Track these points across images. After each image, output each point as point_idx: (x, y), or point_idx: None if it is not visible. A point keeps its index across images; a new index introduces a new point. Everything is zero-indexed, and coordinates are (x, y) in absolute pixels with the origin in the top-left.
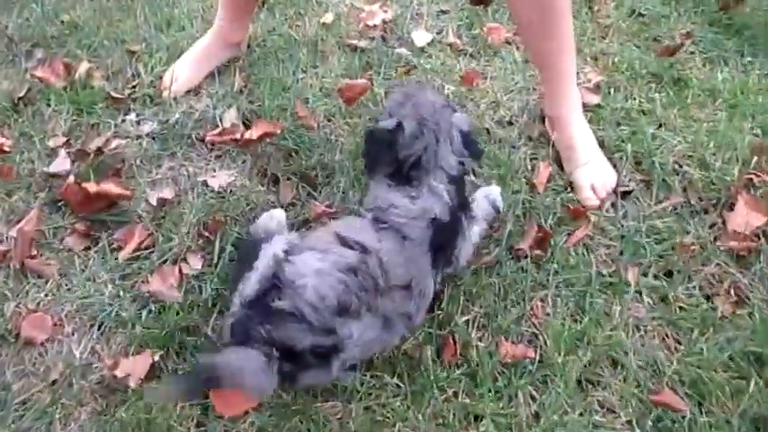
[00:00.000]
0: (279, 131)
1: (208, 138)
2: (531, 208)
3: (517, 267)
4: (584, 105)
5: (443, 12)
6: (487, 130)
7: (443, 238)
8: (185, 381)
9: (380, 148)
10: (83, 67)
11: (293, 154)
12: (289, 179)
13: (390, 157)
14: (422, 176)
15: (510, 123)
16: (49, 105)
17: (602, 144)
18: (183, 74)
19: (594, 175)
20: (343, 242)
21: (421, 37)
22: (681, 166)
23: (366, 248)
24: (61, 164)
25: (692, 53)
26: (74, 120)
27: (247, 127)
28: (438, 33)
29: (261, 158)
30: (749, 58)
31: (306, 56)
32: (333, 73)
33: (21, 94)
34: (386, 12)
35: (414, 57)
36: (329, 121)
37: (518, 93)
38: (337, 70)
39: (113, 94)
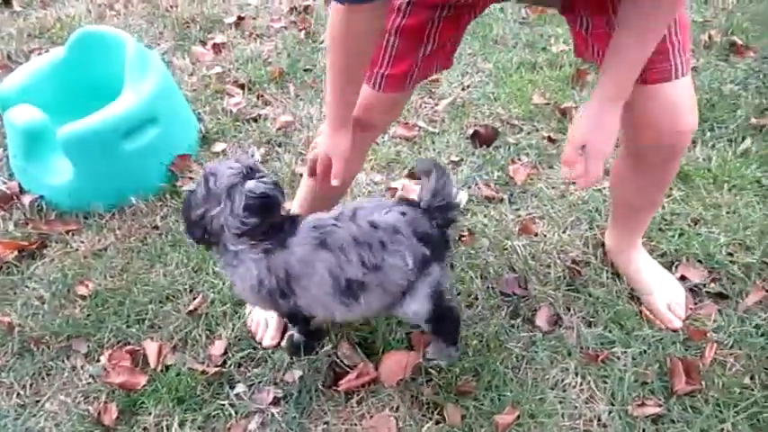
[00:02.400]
0: (412, 362)
1: (343, 386)
2: (655, 342)
3: (687, 408)
4: None
5: (456, 163)
6: (571, 274)
7: None
8: None
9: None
10: (150, 348)
11: (432, 371)
12: (453, 402)
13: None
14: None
15: (587, 263)
16: (149, 413)
17: (663, 254)
18: (271, 317)
19: (668, 296)
20: None
21: (458, 197)
22: (732, 255)
23: None
24: None
25: None
26: (191, 419)
27: (368, 356)
28: (468, 188)
29: (408, 387)
30: (708, 133)
31: None
32: None
33: (114, 415)
34: (417, 184)
35: (464, 220)
36: None
37: (571, 228)
38: None
39: (204, 368)
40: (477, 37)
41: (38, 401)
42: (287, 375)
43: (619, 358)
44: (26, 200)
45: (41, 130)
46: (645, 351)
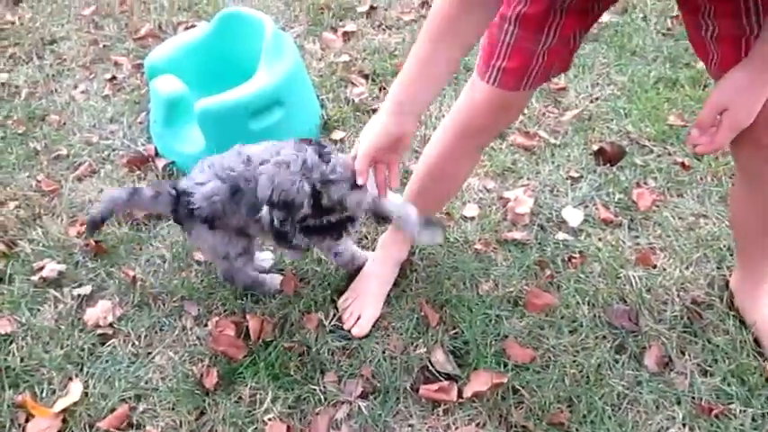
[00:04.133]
0: (505, 381)
1: (422, 392)
2: None
3: None
4: None
5: (575, 179)
6: (690, 316)
7: None
8: None
9: None
10: (253, 322)
11: (524, 394)
12: (543, 430)
13: None
14: None
15: (710, 306)
16: (246, 384)
17: None
18: (365, 309)
19: None
20: None
21: (572, 216)
22: None
23: None
24: None
25: None
26: (283, 398)
27: (460, 366)
28: (585, 207)
29: (498, 406)
30: None
31: (472, 260)
32: (512, 279)
33: (215, 380)
34: (530, 196)
35: (576, 242)
36: (536, 348)
37: (696, 264)
38: (512, 271)
39: (299, 350)
40: (612, 46)
41: (149, 353)
42: (376, 371)
43: (736, 416)
44: (160, 164)
45: (181, 101)
46: None
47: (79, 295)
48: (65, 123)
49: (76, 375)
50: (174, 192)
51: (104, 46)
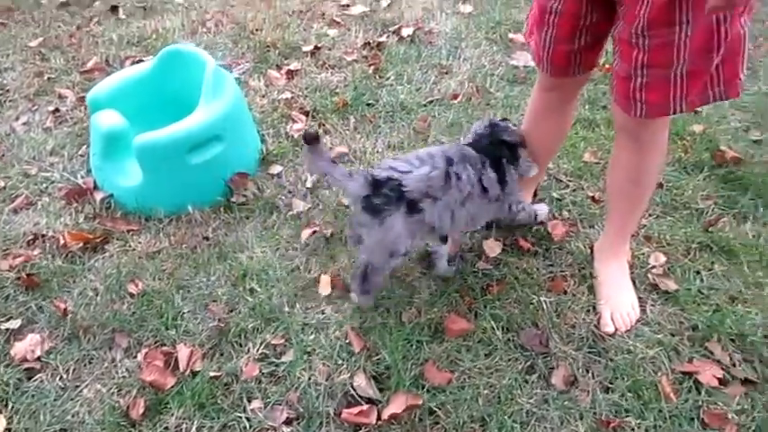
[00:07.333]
0: (420, 403)
1: (344, 416)
2: (671, 417)
3: None
4: (666, 293)
5: None
6: (595, 337)
7: None
8: None
9: None
10: (183, 352)
11: (440, 414)
12: None
13: None
14: None
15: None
16: (172, 414)
17: (695, 328)
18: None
19: (618, 308)
20: None
21: (492, 247)
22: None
23: None
24: None
25: (719, 213)
26: (208, 426)
27: (381, 390)
28: (505, 238)
29: (415, 427)
30: (762, 210)
31: (397, 288)
32: (434, 307)
33: (141, 411)
34: None
35: (495, 270)
36: (453, 371)
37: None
38: (434, 299)
39: (226, 379)
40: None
41: (77, 387)
42: (302, 397)
43: (633, 430)
44: (98, 196)
45: (120, 136)
46: (659, 426)
47: (7, 329)
48: (3, 155)
49: (0, 411)
50: (370, 177)
51: (49, 78)
